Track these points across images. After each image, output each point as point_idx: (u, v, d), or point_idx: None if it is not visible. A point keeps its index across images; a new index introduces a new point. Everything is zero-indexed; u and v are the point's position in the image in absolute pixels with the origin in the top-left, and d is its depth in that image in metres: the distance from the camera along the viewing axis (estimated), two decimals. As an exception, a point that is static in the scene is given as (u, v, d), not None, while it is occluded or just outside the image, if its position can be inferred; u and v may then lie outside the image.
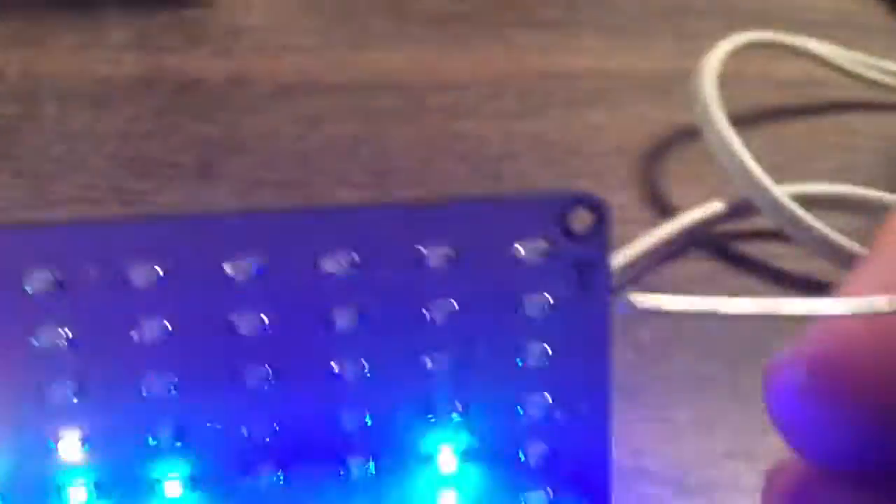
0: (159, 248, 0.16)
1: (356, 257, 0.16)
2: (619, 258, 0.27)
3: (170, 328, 0.16)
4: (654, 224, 0.29)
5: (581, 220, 0.17)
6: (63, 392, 0.16)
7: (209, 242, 0.16)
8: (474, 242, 0.16)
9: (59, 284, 0.16)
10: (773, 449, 0.24)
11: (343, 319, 0.17)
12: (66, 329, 0.16)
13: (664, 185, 0.31)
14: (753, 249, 0.29)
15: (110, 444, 0.17)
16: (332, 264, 0.16)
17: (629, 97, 0.35)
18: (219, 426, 0.17)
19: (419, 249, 0.16)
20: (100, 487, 0.17)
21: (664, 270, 0.28)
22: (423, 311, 0.17)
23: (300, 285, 0.16)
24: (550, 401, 0.17)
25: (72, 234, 0.16)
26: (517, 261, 0.17)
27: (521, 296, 0.17)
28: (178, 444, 0.17)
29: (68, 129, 0.32)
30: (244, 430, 0.17)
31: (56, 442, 0.17)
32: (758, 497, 0.22)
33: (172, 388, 0.17)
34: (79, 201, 0.29)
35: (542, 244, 0.17)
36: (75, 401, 0.16)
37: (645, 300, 0.15)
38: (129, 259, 0.16)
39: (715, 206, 0.29)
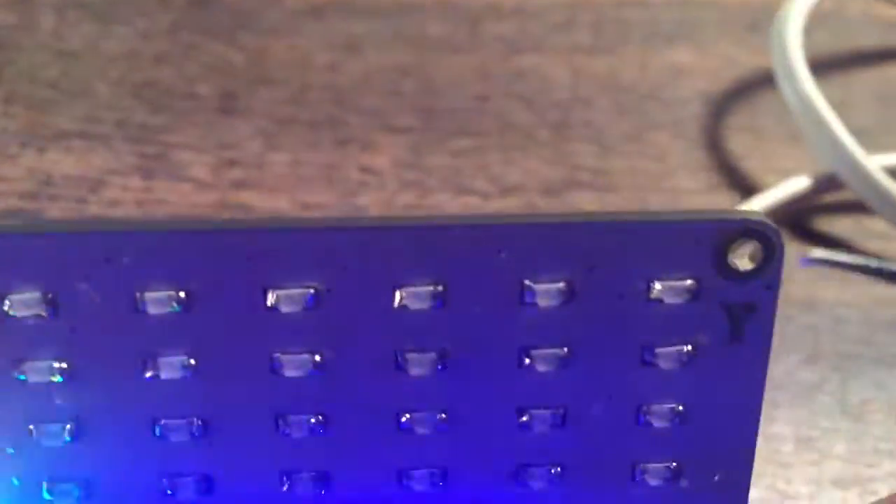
0: (182, 266, 0.12)
1: (440, 289, 0.12)
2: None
3: (192, 364, 0.13)
4: (740, 190, 0.26)
5: (744, 253, 0.13)
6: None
7: (248, 263, 0.12)
8: (596, 277, 0.13)
9: (51, 302, 0.12)
10: (888, 475, 0.21)
11: (419, 365, 0.13)
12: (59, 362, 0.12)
13: (754, 143, 0.27)
14: (854, 227, 0.25)
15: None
16: (409, 297, 0.13)
17: (716, 33, 0.30)
18: (253, 477, 0.13)
19: (524, 283, 0.13)
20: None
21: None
22: (524, 358, 0.13)
23: (366, 321, 0.13)
24: (675, 467, 0.14)
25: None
26: (652, 303, 0.13)
27: (653, 344, 0.13)
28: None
29: (67, 47, 0.28)
30: (285, 485, 0.14)
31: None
32: (872, 538, 0.19)
33: (196, 432, 0.13)
34: (77, 136, 0.25)
35: (688, 284, 0.13)
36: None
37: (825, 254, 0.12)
38: (139, 283, 0.12)
39: (801, 182, 0.24)
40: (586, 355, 0.13)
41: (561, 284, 0.13)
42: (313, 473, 0.13)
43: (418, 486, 0.14)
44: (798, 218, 0.25)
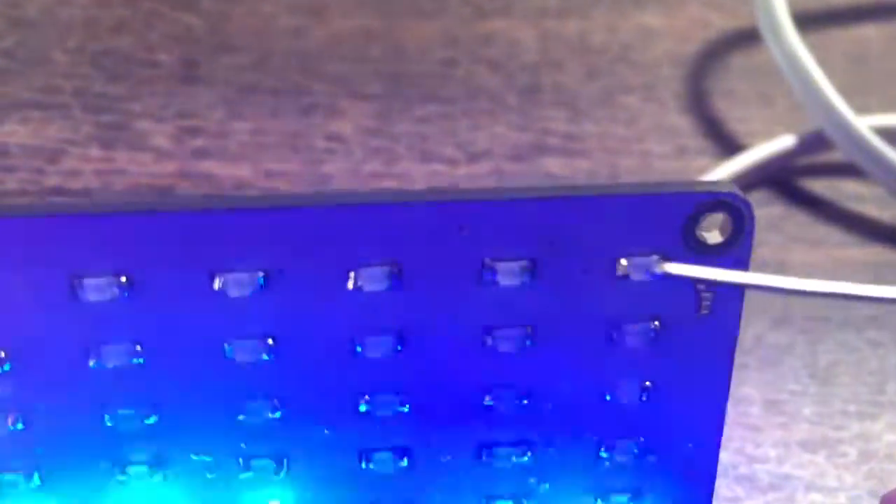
0: (121, 251, 0.12)
1: (396, 269, 0.12)
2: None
3: (139, 351, 0.12)
4: (712, 154, 0.25)
5: (713, 226, 0.12)
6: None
7: (191, 247, 0.12)
8: (560, 254, 0.12)
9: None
10: (855, 437, 0.21)
11: (376, 348, 0.12)
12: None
13: (726, 106, 0.27)
14: (828, 189, 0.25)
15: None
16: (365, 278, 0.12)
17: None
18: (209, 463, 0.13)
19: (484, 261, 0.12)
20: None
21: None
22: (487, 338, 0.13)
23: (319, 303, 0.12)
24: (642, 443, 0.14)
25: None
26: (618, 280, 0.12)
27: (619, 321, 0.13)
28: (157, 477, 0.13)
29: (23, 15, 0.27)
30: (242, 472, 0.13)
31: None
32: (841, 498, 0.19)
33: (148, 421, 0.13)
34: (35, 107, 0.25)
35: (655, 260, 0.12)
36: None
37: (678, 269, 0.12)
38: (75, 269, 0.12)
39: (785, 141, 0.24)
40: (550, 334, 0.13)
41: (523, 262, 0.12)
42: (271, 459, 0.13)
43: (380, 469, 0.13)
44: (773, 181, 0.25)
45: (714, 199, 0.12)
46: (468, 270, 0.12)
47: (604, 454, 0.14)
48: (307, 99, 0.26)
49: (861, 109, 0.24)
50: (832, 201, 0.25)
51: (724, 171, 0.24)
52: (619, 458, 0.14)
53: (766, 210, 0.24)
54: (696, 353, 0.13)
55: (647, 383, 0.13)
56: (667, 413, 0.13)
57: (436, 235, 0.12)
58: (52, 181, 0.23)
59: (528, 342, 0.13)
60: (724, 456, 0.19)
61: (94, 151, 0.24)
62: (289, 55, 0.27)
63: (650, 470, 0.14)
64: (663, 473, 0.14)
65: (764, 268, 0.23)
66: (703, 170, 0.24)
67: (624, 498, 0.14)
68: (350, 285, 0.12)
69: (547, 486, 0.14)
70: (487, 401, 0.13)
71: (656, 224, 0.12)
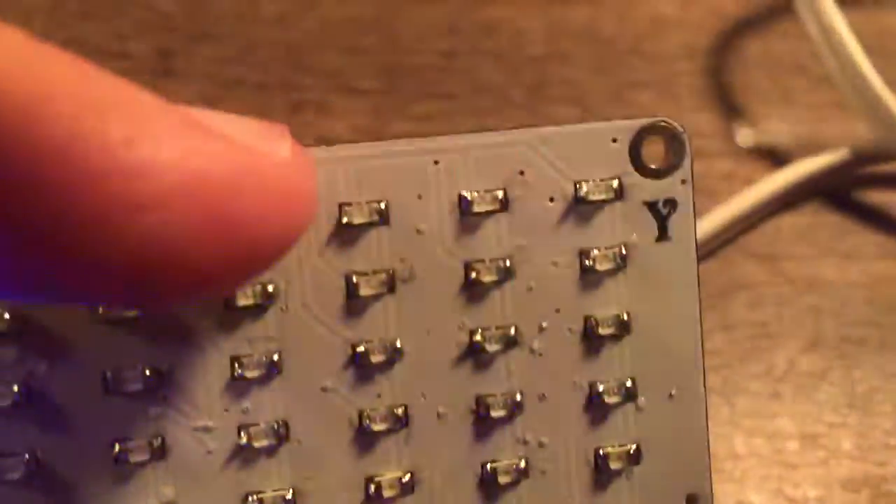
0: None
1: (383, 206, 0.13)
2: (710, 221, 0.21)
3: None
4: (734, 155, 0.23)
5: (656, 151, 0.14)
6: None
7: None
8: (528, 184, 0.14)
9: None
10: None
11: (369, 286, 0.13)
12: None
13: (746, 102, 0.25)
14: (862, 197, 0.23)
15: None
16: (352, 214, 0.13)
17: (701, -19, 0.28)
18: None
19: (461, 193, 0.13)
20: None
21: (770, 229, 0.22)
22: (471, 273, 0.13)
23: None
24: (631, 386, 0.14)
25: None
26: (579, 204, 0.14)
27: (586, 247, 0.14)
28: None
29: (-21, -1, 0.24)
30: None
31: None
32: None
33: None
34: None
35: (610, 182, 0.14)
36: None
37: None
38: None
39: (839, 154, 0.22)
40: (521, 264, 0.14)
41: (497, 192, 0.13)
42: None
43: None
44: (830, 192, 0.23)
45: (651, 125, 0.14)
46: (445, 204, 0.13)
47: (595, 399, 0.14)
48: (295, 94, 0.23)
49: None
50: (866, 210, 0.23)
51: (772, 184, 0.22)
52: (611, 401, 0.14)
53: (793, 219, 0.23)
54: (662, 280, 0.14)
55: (624, 315, 0.14)
56: (646, 348, 0.14)
57: (407, 169, 0.13)
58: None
59: (499, 273, 0.14)
60: (761, 498, 0.18)
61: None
62: (275, 46, 0.24)
63: (644, 415, 0.14)
64: (656, 417, 0.14)
65: (794, 284, 0.22)
66: (728, 176, 0.23)
67: (616, 451, 0.14)
68: (341, 222, 0.13)
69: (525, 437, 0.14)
70: (476, 339, 0.14)
71: (607, 151, 0.14)
